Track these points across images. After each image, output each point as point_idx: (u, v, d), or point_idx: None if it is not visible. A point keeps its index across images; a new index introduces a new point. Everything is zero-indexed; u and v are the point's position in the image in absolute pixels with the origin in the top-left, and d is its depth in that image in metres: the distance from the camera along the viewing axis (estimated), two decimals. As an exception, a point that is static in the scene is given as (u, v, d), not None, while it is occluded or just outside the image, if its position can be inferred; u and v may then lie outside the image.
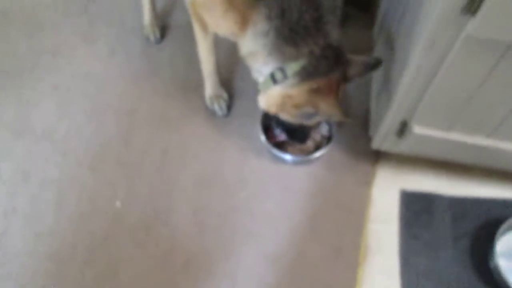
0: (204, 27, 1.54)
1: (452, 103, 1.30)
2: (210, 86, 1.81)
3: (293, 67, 1.35)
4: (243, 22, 1.33)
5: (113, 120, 1.85)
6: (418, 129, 1.42)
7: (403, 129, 1.46)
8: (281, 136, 1.74)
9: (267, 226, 1.64)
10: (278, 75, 1.38)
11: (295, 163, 1.72)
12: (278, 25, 1.30)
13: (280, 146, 1.73)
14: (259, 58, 1.39)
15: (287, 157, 1.68)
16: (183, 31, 2.01)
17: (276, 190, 1.70)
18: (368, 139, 1.71)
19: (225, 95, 1.84)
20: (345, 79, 1.42)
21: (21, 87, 1.94)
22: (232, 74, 1.96)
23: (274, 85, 1.42)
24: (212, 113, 1.85)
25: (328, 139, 1.74)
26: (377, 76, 1.76)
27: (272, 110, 1.51)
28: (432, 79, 1.23)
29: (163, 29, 2.06)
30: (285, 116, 1.52)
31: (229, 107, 1.85)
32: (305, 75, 1.35)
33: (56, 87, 1.93)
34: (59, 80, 1.95)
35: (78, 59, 2.01)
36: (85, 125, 1.84)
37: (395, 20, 1.56)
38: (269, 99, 1.48)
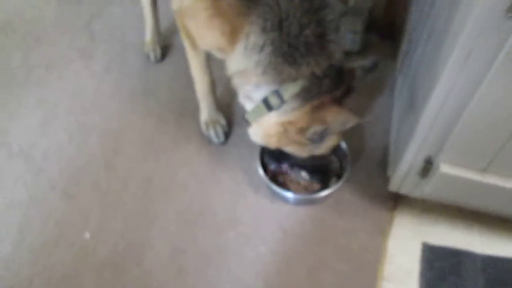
0: (193, 42, 1.35)
1: (491, 137, 1.05)
2: (205, 109, 1.61)
3: (290, 90, 1.14)
4: (232, 33, 1.13)
5: (96, 141, 1.65)
6: (445, 169, 1.16)
7: (427, 167, 1.20)
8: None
9: (259, 275, 1.36)
10: (274, 100, 1.17)
11: (297, 202, 1.46)
12: (275, 39, 1.09)
13: (280, 181, 1.48)
14: (251, 78, 1.17)
15: (289, 195, 1.43)
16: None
17: (273, 232, 1.44)
18: (386, 180, 1.45)
19: (222, 120, 1.63)
20: (348, 91, 1.21)
21: (6, 99, 1.78)
22: (234, 98, 1.75)
23: (269, 112, 1.20)
24: (207, 140, 1.63)
25: (337, 177, 1.48)
26: (399, 103, 1.53)
27: (272, 142, 1.28)
28: (466, 103, 0.99)
29: (165, 49, 1.90)
30: (291, 148, 1.29)
31: (227, 134, 1.63)
32: (307, 96, 1.14)
33: (42, 101, 1.77)
34: (47, 95, 1.79)
35: (71, 74, 1.86)
36: (66, 144, 1.65)
37: (422, 40, 1.34)
38: (266, 130, 1.26)
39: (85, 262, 1.39)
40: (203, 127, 1.63)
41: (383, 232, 1.41)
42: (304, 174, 1.46)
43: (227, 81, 1.75)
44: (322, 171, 1.44)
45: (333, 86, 1.15)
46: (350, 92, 1.22)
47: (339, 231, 1.43)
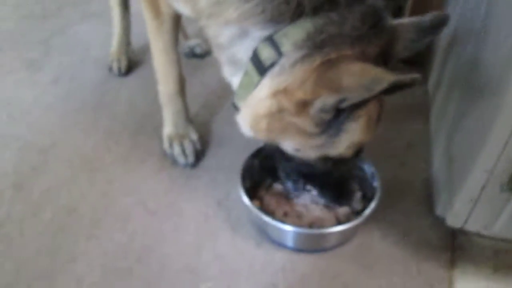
0: (154, 3, 0.98)
1: None
2: (170, 118, 1.15)
3: (292, 34, 0.70)
4: None
5: (13, 156, 1.17)
6: None
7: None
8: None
9: None
10: (267, 53, 0.73)
11: (298, 244, 0.92)
12: None
13: (269, 211, 0.96)
14: (230, 14, 0.73)
15: (286, 228, 0.89)
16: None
17: (258, 295, 0.88)
18: (433, 223, 0.96)
19: (193, 134, 1.16)
20: (388, 56, 0.76)
21: None
22: (215, 116, 1.31)
23: (261, 78, 0.75)
24: (171, 161, 1.15)
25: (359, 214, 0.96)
26: (444, 120, 1.08)
27: (261, 129, 0.80)
28: None
29: (133, 64, 1.52)
30: (290, 141, 0.81)
31: (199, 154, 1.15)
32: (316, 44, 0.69)
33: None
34: (-34, 102, 1.35)
35: (9, 83, 1.44)
36: (-31, 158, 1.15)
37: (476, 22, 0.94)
38: (255, 109, 0.79)
39: None
40: (166, 142, 1.16)
41: (439, 301, 0.86)
42: (312, 199, 0.95)
43: (206, 97, 1.38)
44: (340, 194, 0.93)
45: (363, 32, 0.70)
46: (391, 60, 0.78)
47: (366, 296, 0.87)
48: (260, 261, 0.92)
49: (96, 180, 1.10)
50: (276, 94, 0.74)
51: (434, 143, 1.14)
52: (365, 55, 0.71)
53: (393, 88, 0.63)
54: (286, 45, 0.71)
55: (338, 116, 0.74)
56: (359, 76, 0.66)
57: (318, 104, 0.71)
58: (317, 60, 0.70)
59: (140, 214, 1.02)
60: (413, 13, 1.51)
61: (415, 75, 0.62)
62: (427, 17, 0.77)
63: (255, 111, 0.78)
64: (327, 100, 0.69)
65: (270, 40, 0.72)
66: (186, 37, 1.55)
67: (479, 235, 0.85)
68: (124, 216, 1.01)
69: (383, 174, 0.99)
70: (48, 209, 1.02)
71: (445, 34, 1.27)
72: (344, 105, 0.69)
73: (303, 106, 0.73)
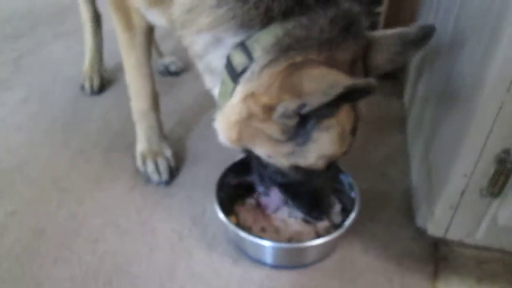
0: (126, 15, 0.96)
1: None
2: (143, 135, 1.12)
3: (263, 40, 0.69)
4: None
5: (-23, 177, 1.11)
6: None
7: (505, 170, 0.69)
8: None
9: None
10: (238, 58, 0.72)
11: (277, 260, 0.89)
12: None
13: (246, 227, 0.93)
14: (203, 20, 0.72)
15: (264, 243, 0.85)
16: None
17: (235, 316, 0.83)
18: (415, 234, 0.94)
19: (167, 151, 1.13)
20: (368, 66, 0.75)
21: None
22: (190, 132, 1.28)
23: (235, 86, 0.74)
24: (144, 179, 1.11)
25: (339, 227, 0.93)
26: (419, 133, 1.07)
27: (233, 137, 0.78)
28: None
29: (106, 82, 1.49)
30: (260, 148, 0.78)
31: (173, 171, 1.12)
32: (284, 48, 0.68)
33: None
34: None
35: (-27, 104, 1.39)
36: None
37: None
38: (227, 116, 0.77)
39: None
40: (139, 160, 1.12)
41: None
42: (288, 214, 0.92)
43: (181, 113, 1.35)
44: (314, 207, 0.89)
45: (332, 35, 0.69)
46: (375, 68, 0.76)
47: (348, 313, 0.83)
48: (237, 279, 0.88)
49: (65, 201, 1.05)
50: (245, 99, 0.72)
51: (412, 154, 1.13)
52: (333, 60, 0.70)
53: (353, 95, 0.60)
54: (257, 51, 0.70)
55: (304, 124, 0.71)
56: (318, 81, 0.64)
57: (280, 109, 0.69)
58: (282, 64, 0.69)
59: (111, 234, 0.97)
60: (386, 28, 1.54)
61: (371, 80, 0.60)
62: (413, 29, 0.76)
63: (228, 118, 0.76)
64: (289, 105, 0.67)
65: (242, 46, 0.71)
66: (160, 54, 1.53)
67: (461, 244, 0.84)
68: (94, 237, 0.96)
69: (362, 186, 0.96)
70: (12, 231, 0.97)
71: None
72: (305, 110, 0.66)
73: (269, 111, 0.71)
